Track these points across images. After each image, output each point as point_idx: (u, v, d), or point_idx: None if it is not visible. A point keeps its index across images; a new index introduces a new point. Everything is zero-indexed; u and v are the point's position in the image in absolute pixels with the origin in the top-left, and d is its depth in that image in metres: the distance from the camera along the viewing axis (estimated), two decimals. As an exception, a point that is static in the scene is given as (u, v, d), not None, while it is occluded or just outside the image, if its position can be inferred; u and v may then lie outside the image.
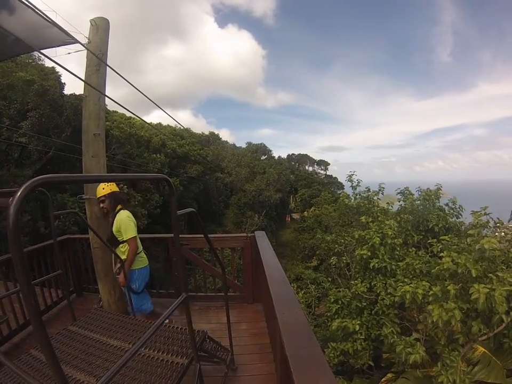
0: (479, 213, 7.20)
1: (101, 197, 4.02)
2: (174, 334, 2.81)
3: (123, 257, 4.01)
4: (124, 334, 2.83)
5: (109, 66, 5.03)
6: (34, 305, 0.87)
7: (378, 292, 7.91)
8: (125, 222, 4.01)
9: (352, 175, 12.15)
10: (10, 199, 0.78)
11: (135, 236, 4.07)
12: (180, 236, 5.24)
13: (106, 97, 5.30)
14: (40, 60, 25.27)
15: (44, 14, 4.01)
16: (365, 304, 8.31)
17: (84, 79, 5.24)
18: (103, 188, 4.01)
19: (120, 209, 4.07)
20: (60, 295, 5.35)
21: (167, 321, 2.38)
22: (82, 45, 4.59)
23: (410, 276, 7.69)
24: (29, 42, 5.14)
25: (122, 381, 2.12)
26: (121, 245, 4.01)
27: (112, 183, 4.08)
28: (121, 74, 5.13)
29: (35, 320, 0.86)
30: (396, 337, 7.02)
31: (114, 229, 3.97)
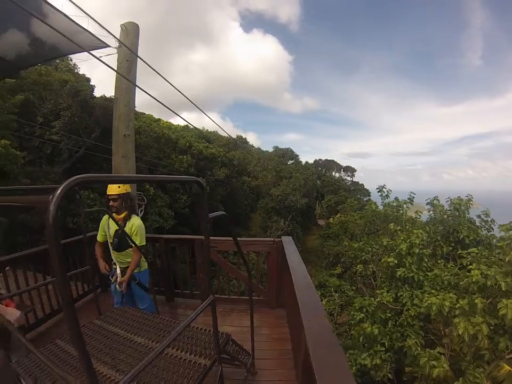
0: (507, 225, 7.01)
1: (113, 195, 3.98)
2: (198, 335, 2.82)
3: (127, 259, 4.06)
4: (147, 331, 2.86)
5: (147, 64, 5.14)
6: (69, 297, 0.90)
7: (404, 302, 7.77)
8: (142, 229, 4.08)
9: (383, 187, 12.10)
10: (50, 197, 0.80)
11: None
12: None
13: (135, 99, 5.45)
14: (75, 66, 26.60)
15: (74, 21, 4.19)
16: (389, 315, 8.16)
17: (115, 80, 5.39)
18: (119, 186, 3.98)
19: (128, 215, 4.09)
20: (85, 289, 5.51)
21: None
22: (125, 44, 4.69)
23: (438, 288, 7.53)
24: (62, 48, 5.37)
25: (145, 378, 2.14)
26: (130, 249, 4.02)
27: (126, 184, 4.10)
28: (161, 74, 5.26)
29: (68, 311, 0.89)
30: (420, 349, 6.88)
31: (127, 232, 3.94)
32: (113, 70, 5.02)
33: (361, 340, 8.09)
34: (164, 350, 1.59)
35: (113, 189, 3.97)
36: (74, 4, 3.94)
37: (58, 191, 0.83)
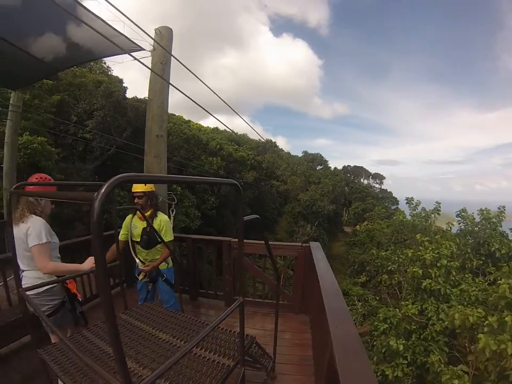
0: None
1: (139, 192, 4.03)
2: (222, 335, 2.84)
3: (156, 257, 4.12)
4: (172, 329, 2.90)
5: (183, 65, 5.27)
6: (107, 291, 0.94)
7: (429, 316, 7.61)
8: (168, 225, 4.17)
9: (411, 199, 12.01)
10: (95, 194, 0.85)
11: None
12: (234, 240, 5.31)
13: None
14: (109, 68, 27.65)
15: (112, 26, 4.37)
16: (414, 327, 8.00)
17: (148, 82, 5.55)
18: (145, 184, 4.02)
19: (153, 213, 4.14)
20: (111, 283, 5.61)
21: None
22: (160, 47, 4.83)
23: (465, 303, 7.35)
24: (97, 51, 5.60)
25: (168, 374, 2.18)
26: (159, 245, 4.08)
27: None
28: (196, 75, 5.37)
29: (106, 304, 0.92)
30: (443, 366, 6.73)
31: (155, 228, 3.97)
32: (152, 71, 5.19)
33: (383, 352, 7.97)
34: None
35: (139, 187, 4.04)
36: (116, 8, 4.08)
37: (103, 189, 0.86)
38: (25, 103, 14.74)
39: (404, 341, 7.58)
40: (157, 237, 3.88)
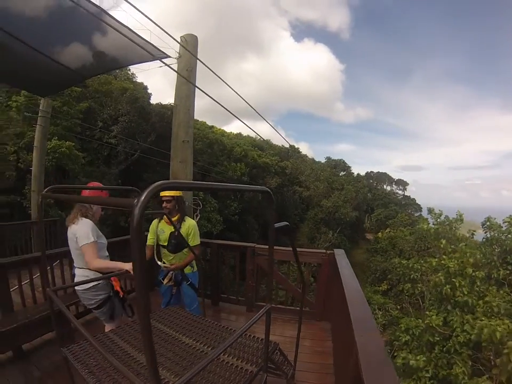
0: None
1: (168, 196, 4.06)
2: (246, 341, 2.86)
3: (181, 262, 4.12)
4: (194, 333, 2.94)
5: (211, 70, 5.43)
6: (145, 297, 0.97)
7: (454, 327, 7.43)
8: (196, 230, 4.21)
9: (433, 209, 11.88)
10: (135, 201, 0.87)
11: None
12: (258, 246, 5.32)
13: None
14: (134, 75, 28.34)
15: (137, 34, 4.49)
16: (438, 339, 7.83)
17: (174, 89, 5.66)
18: None
19: (181, 218, 4.18)
20: (132, 286, 5.67)
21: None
22: (185, 55, 4.93)
23: (489, 315, 7.16)
24: (124, 59, 5.76)
25: (194, 379, 2.20)
26: (185, 249, 4.09)
27: None
28: (223, 80, 5.51)
29: (143, 308, 0.95)
30: (467, 378, 6.56)
31: (183, 233, 4.05)
32: (181, 76, 5.27)
33: (403, 367, 7.82)
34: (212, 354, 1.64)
35: (168, 191, 4.10)
36: (146, 16, 4.19)
37: (143, 197, 0.89)
38: (55, 109, 15.24)
39: (424, 357, 7.42)
40: (185, 241, 3.94)
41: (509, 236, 9.60)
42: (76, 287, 3.31)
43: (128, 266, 3.25)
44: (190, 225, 4.16)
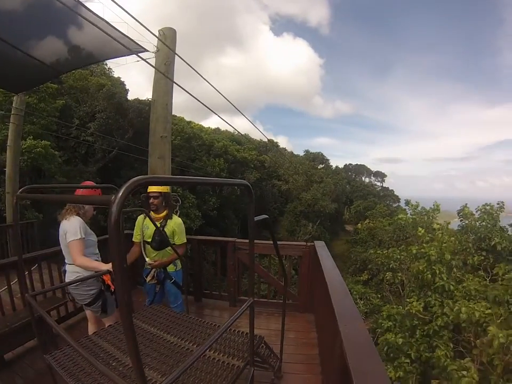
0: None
1: (156, 192, 4.00)
2: (231, 336, 2.86)
3: (164, 258, 4.07)
4: (179, 330, 2.91)
5: (188, 65, 5.30)
6: (126, 293, 0.94)
7: (434, 311, 7.60)
8: (182, 228, 4.15)
9: (410, 201, 12.13)
10: (113, 198, 0.84)
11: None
12: (238, 240, 5.31)
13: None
14: (110, 70, 27.78)
15: (117, 28, 4.40)
16: (417, 322, 7.99)
17: (153, 83, 5.57)
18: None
19: (168, 214, 4.11)
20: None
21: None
22: (163, 49, 4.86)
23: (468, 298, 7.35)
24: (100, 53, 5.63)
25: (182, 377, 2.18)
26: (169, 248, 4.02)
27: None
28: (202, 75, 5.41)
29: (124, 310, 0.93)
30: (449, 360, 6.72)
31: (168, 231, 4.03)
32: (159, 71, 5.20)
33: (386, 350, 7.96)
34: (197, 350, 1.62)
35: (155, 187, 4.02)
36: (123, 9, 4.10)
37: (121, 193, 0.86)
38: (31, 106, 14.86)
39: (403, 335, 7.59)
40: (168, 239, 3.92)
41: (483, 223, 9.87)
42: (69, 282, 3.30)
43: (109, 266, 3.25)
44: (176, 223, 4.10)
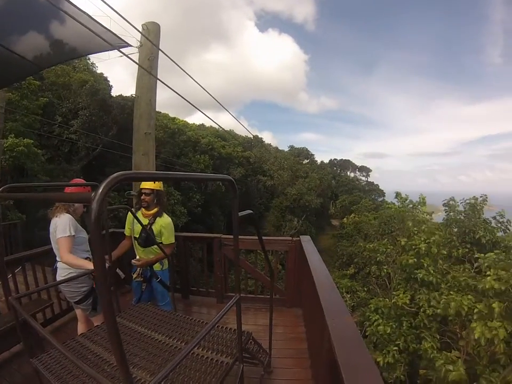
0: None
1: (148, 189, 3.97)
2: (219, 333, 2.84)
3: (150, 256, 4.04)
4: (166, 329, 2.88)
5: (172, 60, 5.23)
6: (108, 295, 0.92)
7: (420, 304, 7.68)
8: (171, 227, 4.09)
9: (399, 194, 12.14)
10: (93, 194, 0.82)
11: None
12: (224, 236, 5.30)
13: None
14: (93, 65, 27.38)
15: (99, 22, 4.29)
16: (404, 313, 8.08)
17: (136, 79, 5.50)
18: (154, 182, 3.97)
19: (158, 212, 4.06)
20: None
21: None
22: (147, 44, 4.78)
23: (455, 290, 7.44)
24: (83, 48, 5.50)
25: (169, 375, 2.16)
26: (156, 246, 3.98)
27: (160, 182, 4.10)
28: (185, 71, 5.34)
29: (107, 310, 0.91)
30: (435, 352, 6.81)
31: (156, 229, 3.98)
32: (141, 67, 5.12)
33: (375, 341, 8.04)
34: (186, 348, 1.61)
35: (147, 184, 3.98)
36: (105, 2, 4.03)
37: (101, 189, 0.83)
38: (13, 103, 14.57)
39: (391, 324, 7.68)
40: (154, 237, 3.88)
41: (467, 217, 9.99)
42: (59, 280, 3.31)
43: (92, 266, 3.18)
44: (165, 222, 4.05)
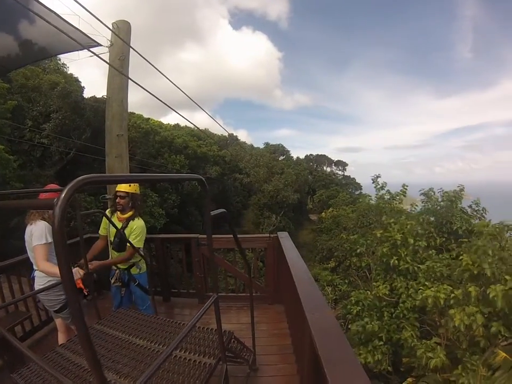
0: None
1: (123, 192, 3.87)
2: (200, 334, 2.81)
3: (108, 260, 3.97)
4: (148, 333, 2.84)
5: (144, 58, 5.14)
6: (76, 301, 0.88)
7: (399, 293, 7.80)
8: (141, 231, 3.95)
9: (378, 177, 12.06)
10: (55, 200, 0.79)
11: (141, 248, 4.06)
12: (201, 236, 5.26)
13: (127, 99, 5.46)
14: (64, 66, 26.71)
15: (67, 21, 4.18)
16: (385, 303, 8.19)
17: (107, 80, 5.39)
18: (130, 185, 3.87)
19: (133, 215, 3.98)
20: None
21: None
22: (117, 42, 4.67)
23: (432, 279, 7.57)
24: (52, 48, 5.35)
25: (150, 381, 2.13)
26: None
27: (136, 184, 3.99)
28: (159, 69, 5.25)
29: (77, 315, 0.87)
30: (416, 340, 6.93)
31: (128, 232, 3.88)
32: (112, 66, 5.03)
33: (360, 336, 8.11)
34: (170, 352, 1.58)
35: (122, 187, 3.89)
36: (78, 3, 3.92)
37: (64, 194, 0.80)
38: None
39: (378, 321, 7.75)
40: (127, 241, 3.78)
41: (444, 209, 10.16)
42: (37, 290, 3.24)
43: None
44: (136, 225, 3.94)
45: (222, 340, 2.24)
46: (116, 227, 3.63)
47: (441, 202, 10.37)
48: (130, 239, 3.86)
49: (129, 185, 3.88)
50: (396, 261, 8.02)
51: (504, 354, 6.01)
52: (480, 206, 10.08)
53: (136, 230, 3.91)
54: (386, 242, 8.62)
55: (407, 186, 11.69)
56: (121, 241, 3.86)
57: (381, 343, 7.72)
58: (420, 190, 11.43)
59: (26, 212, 3.41)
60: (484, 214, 9.97)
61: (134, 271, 4.04)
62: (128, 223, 3.93)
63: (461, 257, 6.58)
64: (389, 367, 7.82)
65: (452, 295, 6.13)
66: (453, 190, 10.41)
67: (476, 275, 6.18)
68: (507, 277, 5.66)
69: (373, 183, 12.27)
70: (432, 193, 11.05)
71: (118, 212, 3.98)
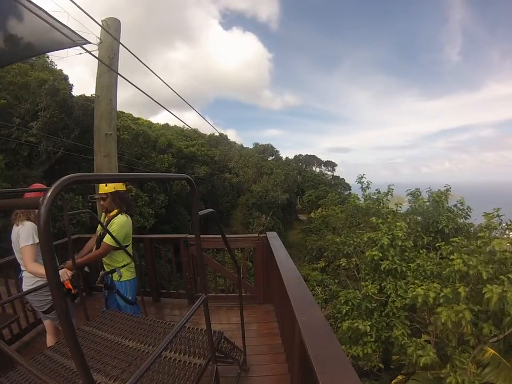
0: (491, 215, 7.16)
1: (102, 194, 3.77)
2: (190, 335, 2.80)
3: (113, 263, 3.85)
4: (138, 334, 2.80)
5: (135, 56, 5.10)
6: (62, 304, 0.86)
7: (388, 293, 7.87)
8: (118, 228, 3.75)
9: (362, 177, 12.14)
10: (41, 199, 0.78)
11: (114, 246, 3.76)
12: (190, 236, 5.24)
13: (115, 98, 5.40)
14: (52, 63, 26.38)
15: (55, 18, 4.11)
16: (375, 305, 8.26)
17: (96, 78, 5.34)
18: (106, 185, 3.74)
19: (118, 213, 3.83)
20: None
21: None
22: (107, 40, 4.62)
23: (421, 278, 7.64)
24: (40, 45, 5.26)
25: (139, 382, 2.10)
26: (114, 251, 3.79)
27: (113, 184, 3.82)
28: (149, 67, 5.22)
29: (63, 317, 0.85)
30: (406, 338, 7.00)
31: (109, 229, 3.71)
32: (102, 62, 4.98)
33: (350, 334, 8.15)
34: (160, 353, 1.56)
35: (100, 188, 3.82)
36: (74, 3, 3.87)
37: (49, 193, 0.79)
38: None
39: (369, 323, 7.80)
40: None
41: (430, 209, 10.26)
42: (26, 291, 3.22)
43: (61, 273, 3.12)
44: (114, 222, 3.77)
45: (212, 340, 2.23)
46: (103, 226, 3.60)
47: (427, 202, 10.48)
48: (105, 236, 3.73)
49: (106, 186, 3.75)
50: (387, 265, 8.08)
51: (493, 351, 6.11)
52: (464, 205, 10.19)
53: (113, 226, 3.75)
54: (375, 245, 8.70)
55: (393, 187, 11.80)
56: (101, 238, 3.77)
57: (372, 339, 7.78)
58: (407, 190, 11.56)
59: (12, 212, 3.38)
60: (468, 213, 10.08)
61: (115, 277, 3.87)
62: (111, 221, 3.81)
63: (452, 257, 6.63)
64: (380, 364, 7.89)
65: (441, 294, 6.18)
66: (439, 190, 10.52)
67: (465, 274, 6.24)
68: (503, 277, 5.73)
69: (358, 183, 12.36)
70: (419, 194, 11.17)
71: (104, 214, 3.96)
